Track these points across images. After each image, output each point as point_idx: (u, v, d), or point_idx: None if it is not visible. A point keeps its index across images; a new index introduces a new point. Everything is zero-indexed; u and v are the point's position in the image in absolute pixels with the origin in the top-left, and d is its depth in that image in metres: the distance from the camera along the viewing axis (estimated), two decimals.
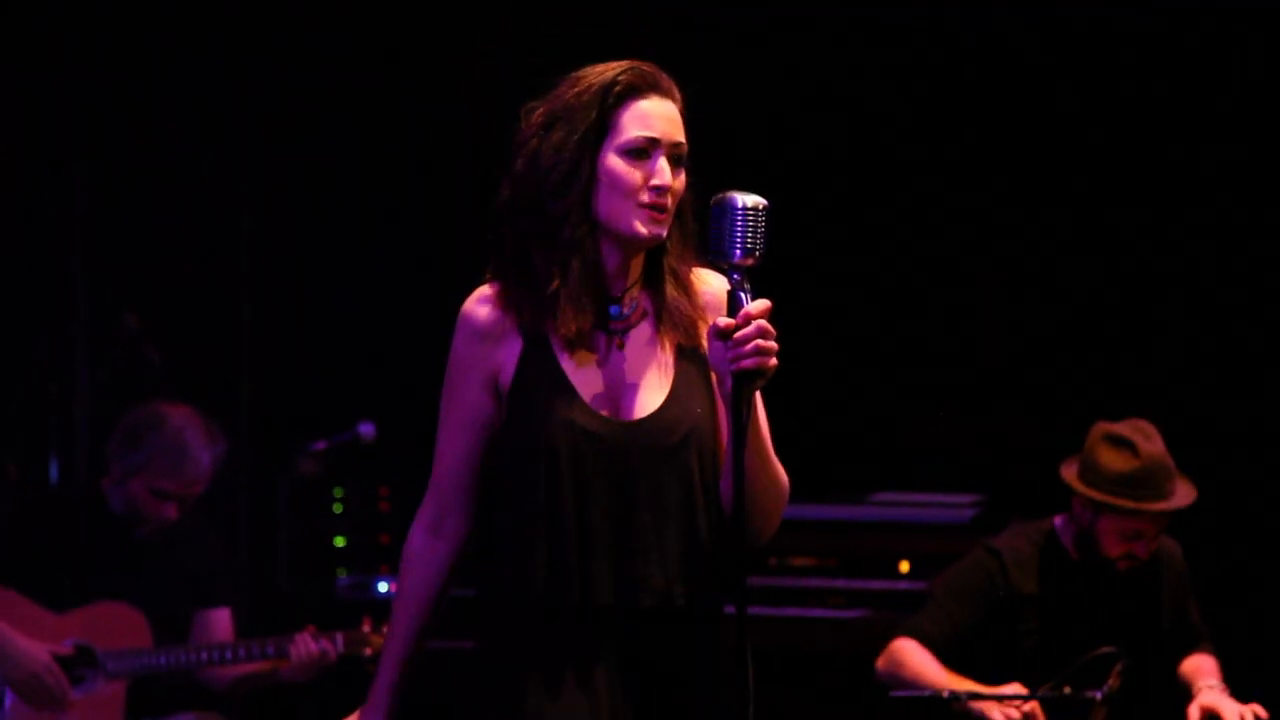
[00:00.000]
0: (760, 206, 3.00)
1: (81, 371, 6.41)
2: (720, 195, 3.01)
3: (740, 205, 2.99)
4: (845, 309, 6.63)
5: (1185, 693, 4.87)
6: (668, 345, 3.11)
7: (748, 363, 2.92)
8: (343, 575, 6.52)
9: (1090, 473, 4.82)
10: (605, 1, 6.04)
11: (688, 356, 3.11)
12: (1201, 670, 4.90)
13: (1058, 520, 4.99)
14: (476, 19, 6.66)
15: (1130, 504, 4.76)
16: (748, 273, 2.99)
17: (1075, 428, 5.11)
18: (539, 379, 3.06)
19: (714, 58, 6.31)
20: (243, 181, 6.66)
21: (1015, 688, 4.71)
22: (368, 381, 6.77)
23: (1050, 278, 6.57)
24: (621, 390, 3.08)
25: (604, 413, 3.06)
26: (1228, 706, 4.74)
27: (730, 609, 3.06)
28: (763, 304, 2.95)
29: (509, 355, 3.07)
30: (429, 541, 3.17)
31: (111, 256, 6.49)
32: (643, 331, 3.11)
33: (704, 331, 3.08)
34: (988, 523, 5.95)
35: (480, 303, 3.10)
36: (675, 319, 3.11)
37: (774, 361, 2.94)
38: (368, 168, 6.79)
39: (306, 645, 5.17)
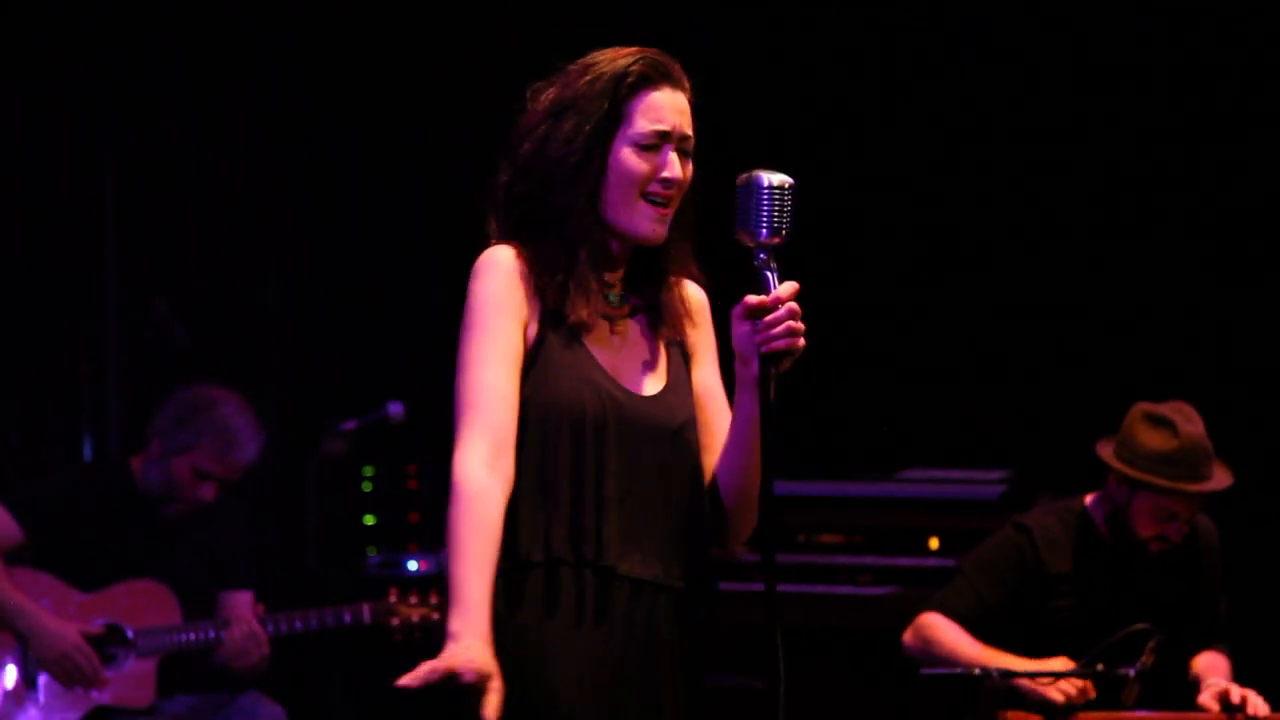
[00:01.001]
0: (786, 185, 3.00)
1: (113, 351, 6.44)
2: (746, 174, 3.01)
3: (766, 184, 3.00)
4: (873, 286, 6.62)
5: (1195, 689, 4.83)
6: (660, 340, 3.14)
7: (779, 344, 2.94)
8: (372, 553, 6.54)
9: (1127, 450, 4.79)
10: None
11: (675, 352, 3.15)
12: (1214, 669, 4.87)
13: (1089, 499, 4.96)
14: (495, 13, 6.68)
15: (1166, 483, 4.73)
16: (774, 251, 2.99)
17: (1103, 404, 5.11)
18: (563, 345, 3.06)
19: (713, 54, 6.33)
20: (270, 165, 6.66)
21: (1062, 661, 4.68)
22: (392, 360, 6.78)
23: (1077, 256, 6.55)
24: (627, 370, 3.11)
25: (620, 383, 3.08)
26: (1234, 687, 4.72)
27: (725, 586, 3.12)
28: (791, 286, 2.97)
29: (534, 311, 3.06)
30: (491, 478, 2.94)
31: (142, 238, 6.50)
32: (636, 324, 3.14)
33: (688, 327, 3.13)
34: (1016, 499, 5.93)
35: (507, 253, 3.07)
36: (664, 312, 3.14)
37: (802, 342, 2.96)
38: (391, 153, 6.78)
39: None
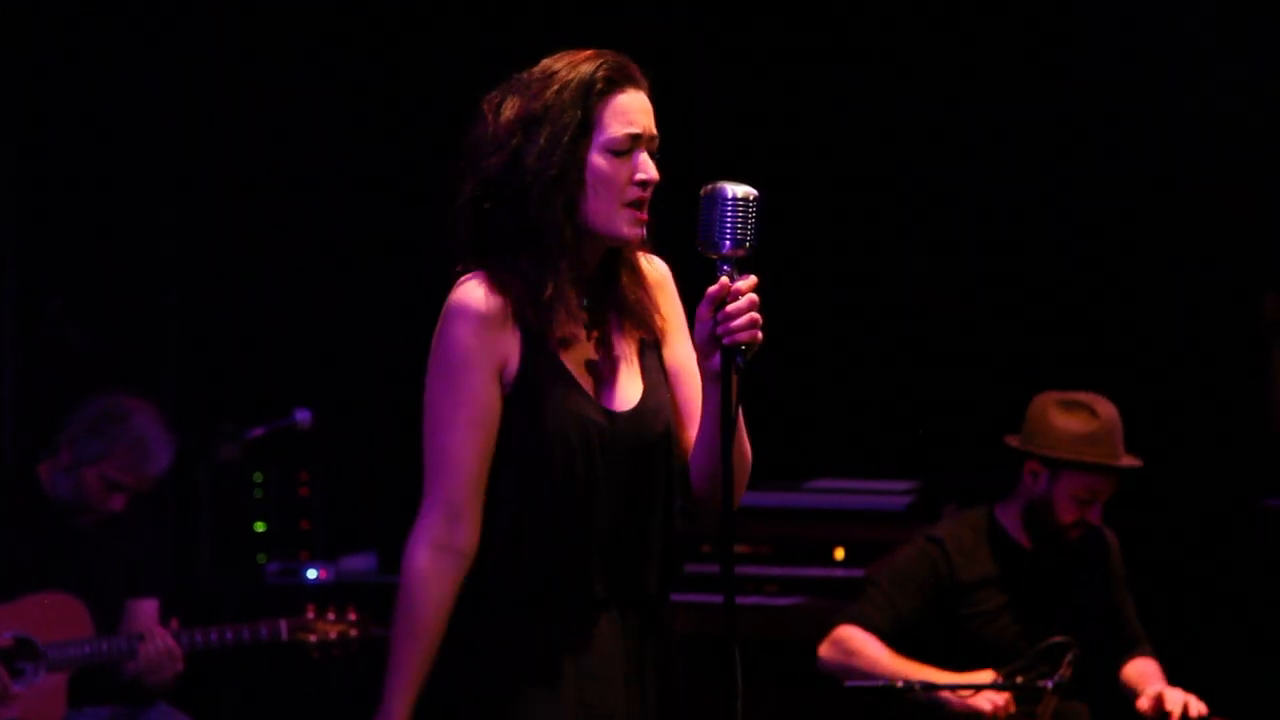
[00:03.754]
0: (751, 197, 3.01)
1: (8, 352, 6.29)
2: (710, 186, 3.01)
3: (730, 195, 3.00)
4: (779, 296, 6.60)
5: (1130, 698, 4.89)
6: (630, 338, 3.12)
7: (741, 335, 2.96)
8: (263, 560, 6.46)
9: (1045, 437, 4.83)
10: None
11: (648, 347, 3.14)
12: (1147, 676, 4.92)
13: (997, 507, 4.99)
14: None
15: (1094, 459, 4.77)
16: (738, 264, 3.00)
17: (1010, 417, 5.14)
18: (544, 373, 3.04)
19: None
20: (170, 162, 6.55)
21: (986, 674, 4.70)
22: (288, 365, 6.70)
23: (987, 266, 6.60)
24: (608, 383, 3.09)
25: (603, 406, 3.07)
26: (1171, 693, 4.78)
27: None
28: (751, 280, 2.99)
29: (513, 346, 3.03)
30: (440, 559, 3.00)
31: (39, 236, 6.37)
32: (608, 324, 3.11)
33: (659, 324, 3.12)
34: (922, 510, 5.96)
35: (479, 290, 3.03)
36: (635, 312, 3.12)
37: (761, 335, 2.98)
38: (297, 154, 6.70)
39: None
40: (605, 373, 3.08)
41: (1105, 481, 4.82)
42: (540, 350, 3.04)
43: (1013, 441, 4.88)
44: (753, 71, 6.63)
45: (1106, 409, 4.84)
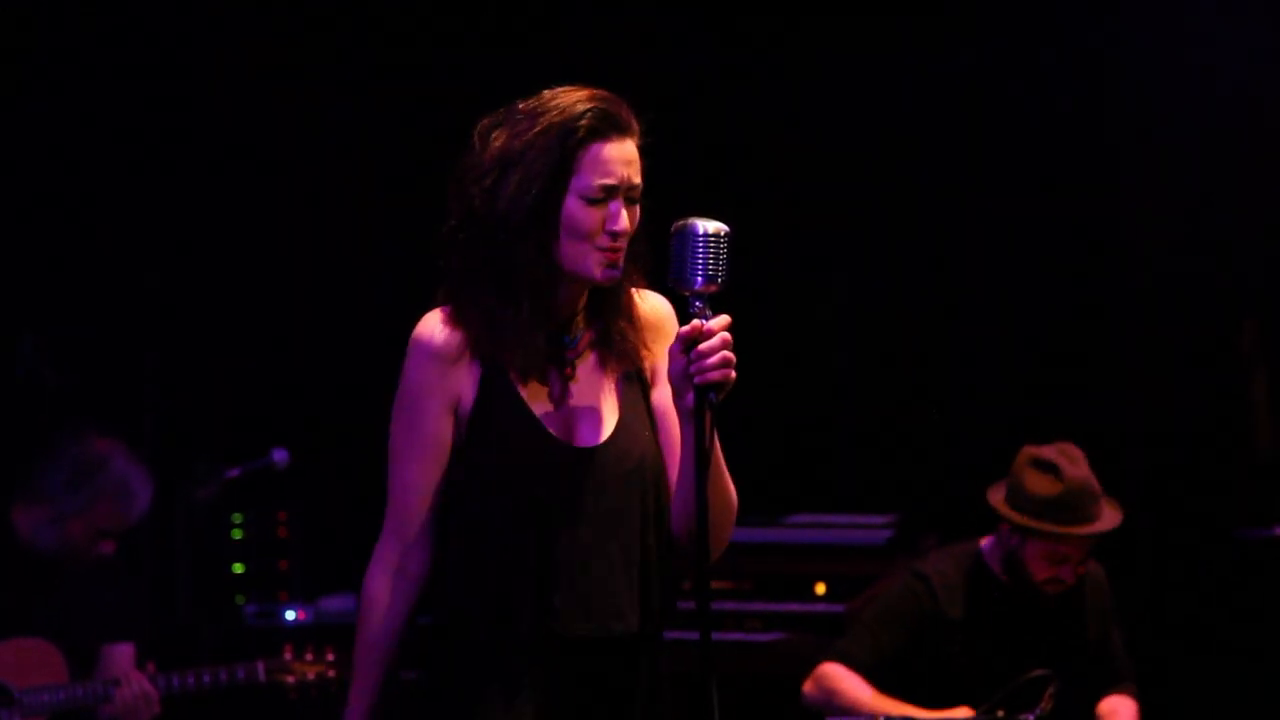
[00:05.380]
0: (722, 233, 3.02)
1: None
2: (681, 222, 3.02)
3: (701, 232, 3.01)
4: (757, 328, 6.60)
5: None
6: (612, 373, 3.13)
7: (713, 375, 2.96)
8: (242, 602, 6.44)
9: (1016, 497, 4.83)
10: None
11: (631, 383, 3.14)
12: (1117, 713, 4.92)
13: (984, 543, 4.98)
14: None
15: (1054, 528, 4.77)
16: (710, 300, 3.00)
17: (988, 447, 5.14)
18: (501, 407, 3.06)
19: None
20: (145, 196, 6.53)
21: (964, 711, 4.70)
22: (264, 405, 6.68)
23: (964, 296, 6.61)
24: (575, 418, 3.10)
25: (563, 441, 3.07)
26: None
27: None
28: (724, 319, 2.99)
29: (469, 380, 3.07)
30: (394, 584, 3.12)
31: (10, 274, 6.34)
32: (589, 359, 3.13)
33: (646, 357, 3.13)
34: (903, 544, 5.95)
35: (436, 326, 3.08)
36: (619, 347, 3.13)
37: (734, 374, 2.98)
38: (273, 190, 6.69)
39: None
40: (572, 408, 3.09)
41: (1072, 546, 4.81)
42: (499, 384, 3.06)
43: (993, 499, 4.88)
44: (730, 101, 6.64)
45: (1075, 470, 4.80)
